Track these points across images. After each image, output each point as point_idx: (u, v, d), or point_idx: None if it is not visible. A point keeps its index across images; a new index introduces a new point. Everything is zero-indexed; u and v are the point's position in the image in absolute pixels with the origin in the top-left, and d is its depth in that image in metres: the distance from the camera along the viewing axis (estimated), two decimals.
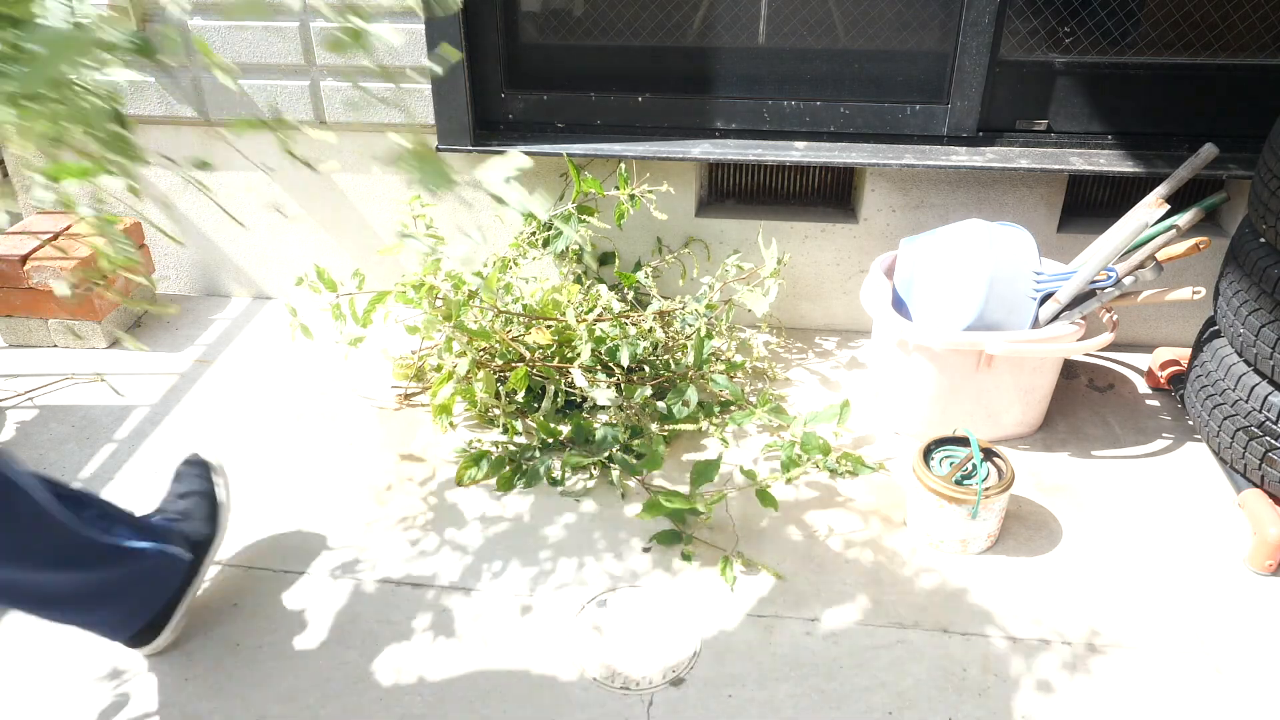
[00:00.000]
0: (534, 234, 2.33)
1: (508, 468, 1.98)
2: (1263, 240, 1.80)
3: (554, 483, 1.98)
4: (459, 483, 1.98)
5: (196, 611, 1.68)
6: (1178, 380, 2.23)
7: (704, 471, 1.87)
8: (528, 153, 2.25)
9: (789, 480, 1.95)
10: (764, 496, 1.86)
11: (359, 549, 1.83)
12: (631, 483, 1.98)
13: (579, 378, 1.97)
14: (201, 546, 1.65)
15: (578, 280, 2.38)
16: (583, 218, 2.31)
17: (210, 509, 1.70)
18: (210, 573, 1.75)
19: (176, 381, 2.37)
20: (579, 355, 2.04)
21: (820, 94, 2.35)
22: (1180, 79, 2.25)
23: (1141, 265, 1.96)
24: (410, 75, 2.35)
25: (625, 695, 1.55)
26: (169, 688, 1.57)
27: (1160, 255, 1.96)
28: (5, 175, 3.33)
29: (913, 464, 1.84)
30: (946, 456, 1.87)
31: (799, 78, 2.35)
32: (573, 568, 1.79)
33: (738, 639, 1.65)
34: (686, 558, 1.79)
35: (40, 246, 2.46)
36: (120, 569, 1.49)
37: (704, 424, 2.07)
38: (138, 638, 1.57)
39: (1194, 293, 1.94)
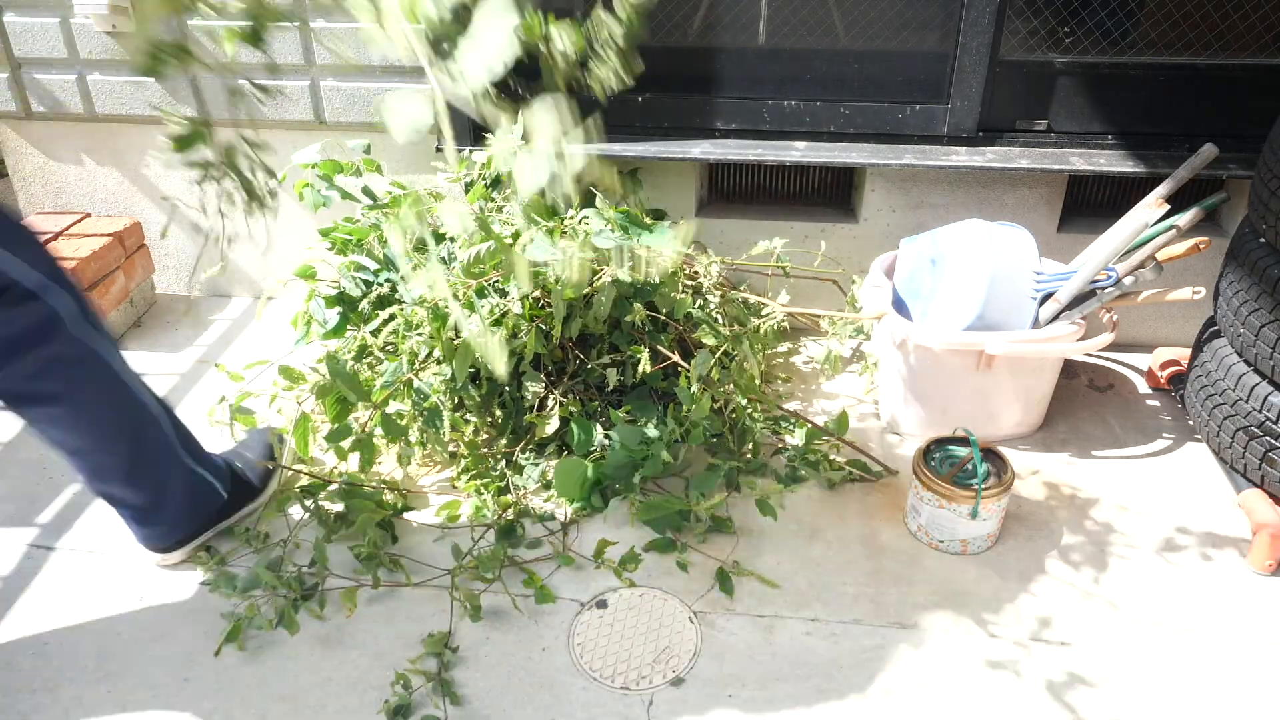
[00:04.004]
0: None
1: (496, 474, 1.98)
2: (1263, 240, 1.80)
3: (547, 485, 1.98)
4: (454, 485, 1.98)
5: (199, 615, 1.69)
6: (1178, 380, 2.23)
7: (703, 480, 1.87)
8: None
9: (792, 490, 1.95)
10: (763, 506, 1.85)
11: None
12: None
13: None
14: (242, 495, 1.86)
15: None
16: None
17: (265, 470, 1.92)
18: None
19: (177, 382, 2.37)
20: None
21: (820, 94, 2.35)
22: (1180, 79, 2.25)
23: (1141, 265, 1.96)
24: (410, 73, 2.35)
25: (625, 695, 1.55)
26: (169, 689, 1.57)
27: (1160, 255, 1.96)
28: (4, 175, 3.33)
29: (913, 464, 1.84)
30: (946, 456, 1.87)
31: (799, 78, 2.35)
32: (572, 568, 1.79)
33: (738, 639, 1.65)
34: (682, 566, 1.78)
35: None
36: (177, 482, 1.71)
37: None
38: (160, 548, 1.77)
39: (1194, 293, 1.94)
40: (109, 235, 2.52)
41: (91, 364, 1.51)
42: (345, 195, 2.16)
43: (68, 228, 2.56)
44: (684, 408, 1.92)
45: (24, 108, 2.55)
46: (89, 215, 2.65)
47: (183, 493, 1.73)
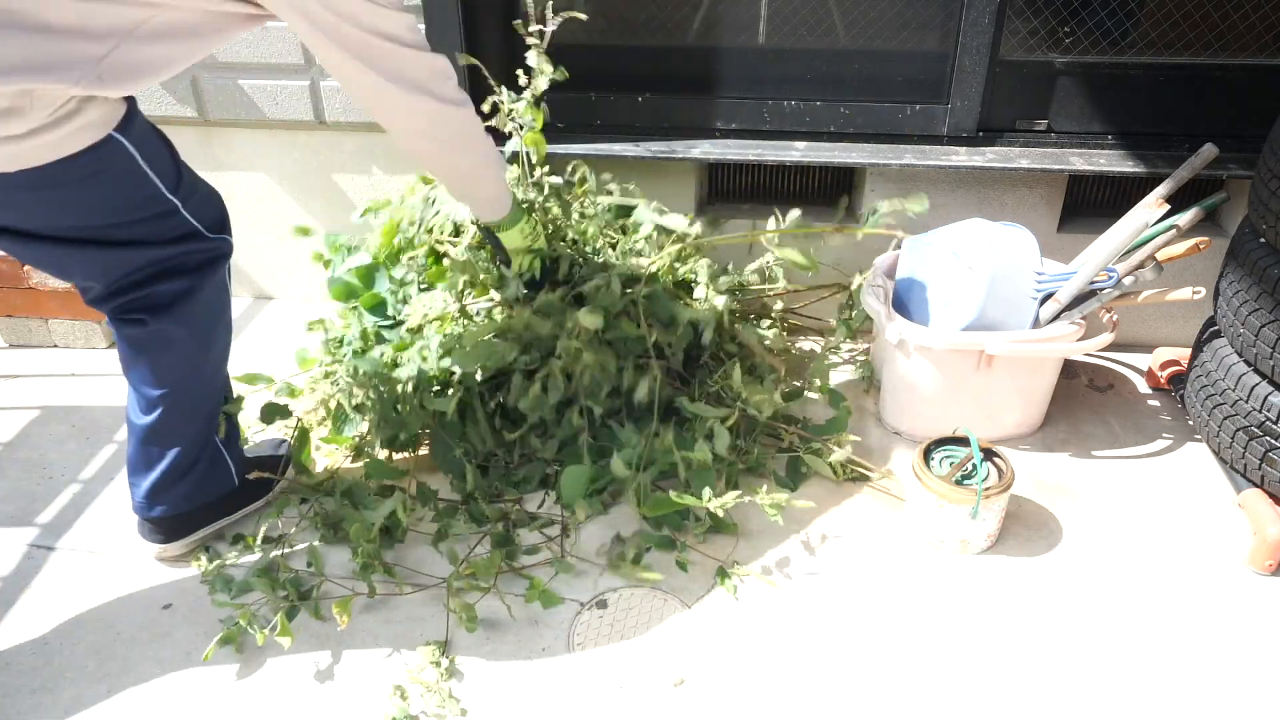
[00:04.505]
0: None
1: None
2: (1263, 240, 1.80)
3: (545, 484, 1.97)
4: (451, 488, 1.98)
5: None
6: (1178, 380, 2.23)
7: (704, 478, 1.87)
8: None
9: (793, 489, 1.95)
10: (765, 506, 1.85)
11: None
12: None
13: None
14: (247, 492, 1.88)
15: None
16: None
17: (271, 473, 1.94)
18: None
19: None
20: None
21: (820, 94, 2.35)
22: (1180, 79, 2.25)
23: (1141, 265, 1.96)
24: None
25: (625, 695, 1.55)
26: (169, 689, 1.57)
27: (1160, 255, 1.96)
28: None
29: (913, 464, 1.84)
30: (946, 456, 1.87)
31: (799, 78, 2.35)
32: (572, 573, 1.79)
33: (738, 639, 1.65)
34: (682, 566, 1.78)
35: None
36: (205, 453, 1.76)
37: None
38: (159, 528, 1.77)
39: (1194, 293, 1.94)
40: None
41: (222, 301, 1.68)
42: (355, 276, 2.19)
43: None
44: (694, 428, 1.92)
45: None
46: None
47: (203, 466, 1.76)
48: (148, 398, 1.66)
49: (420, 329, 2.02)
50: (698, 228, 2.05)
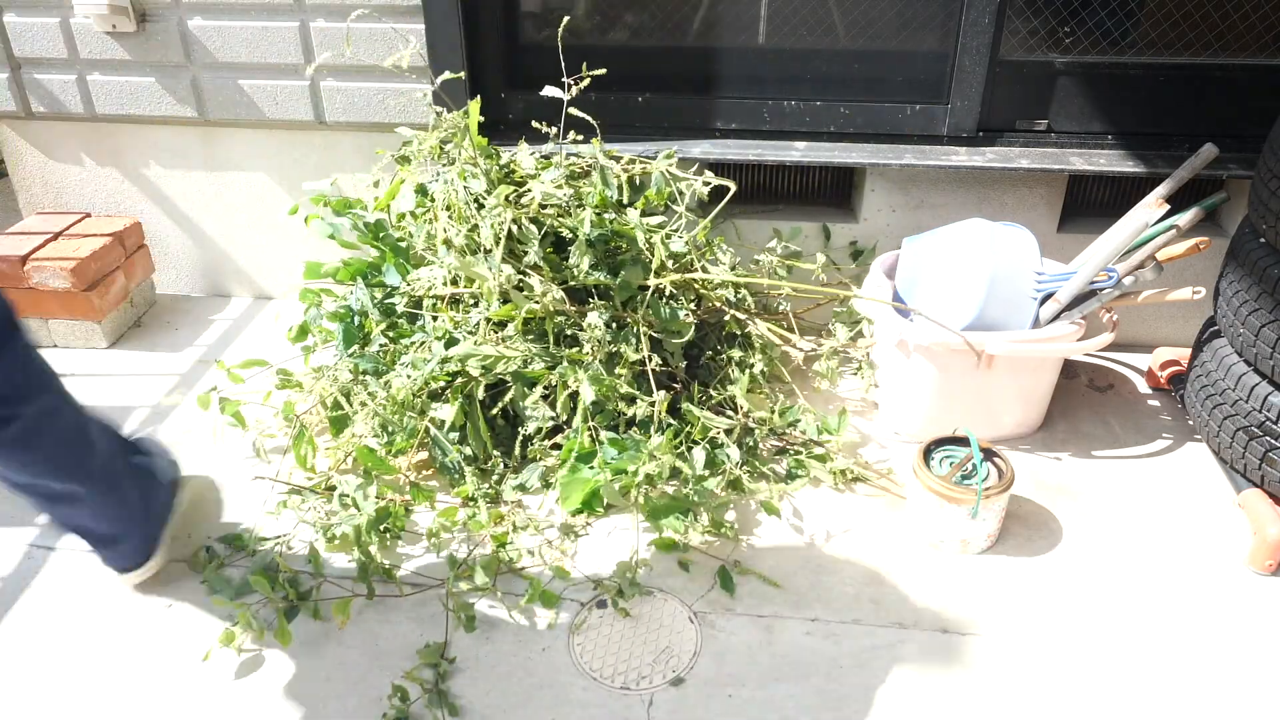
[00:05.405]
0: None
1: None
2: (1263, 240, 1.80)
3: (547, 485, 1.97)
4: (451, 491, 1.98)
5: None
6: (1178, 380, 2.23)
7: (704, 480, 1.87)
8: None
9: (793, 490, 1.95)
10: (767, 507, 1.85)
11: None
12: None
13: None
14: (174, 483, 1.81)
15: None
16: None
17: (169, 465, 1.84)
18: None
19: (176, 382, 2.37)
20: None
21: (820, 94, 2.36)
22: (1180, 79, 2.25)
23: (1142, 265, 1.96)
24: (410, 73, 2.35)
25: (625, 695, 1.55)
26: (171, 688, 1.57)
27: (1160, 255, 1.96)
28: (4, 174, 3.33)
29: (913, 464, 1.84)
30: (946, 456, 1.87)
31: (799, 78, 2.35)
32: (573, 568, 1.79)
33: (738, 639, 1.65)
34: (684, 566, 1.78)
35: (40, 246, 2.46)
36: (134, 492, 1.65)
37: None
38: (132, 565, 1.71)
39: (1194, 293, 1.94)
40: (109, 235, 2.52)
41: (31, 378, 1.42)
42: (354, 227, 2.18)
43: (68, 228, 2.56)
44: (692, 428, 1.92)
45: (24, 108, 2.55)
46: (89, 215, 2.65)
47: (140, 505, 1.67)
48: (30, 497, 1.53)
49: (417, 319, 2.02)
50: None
